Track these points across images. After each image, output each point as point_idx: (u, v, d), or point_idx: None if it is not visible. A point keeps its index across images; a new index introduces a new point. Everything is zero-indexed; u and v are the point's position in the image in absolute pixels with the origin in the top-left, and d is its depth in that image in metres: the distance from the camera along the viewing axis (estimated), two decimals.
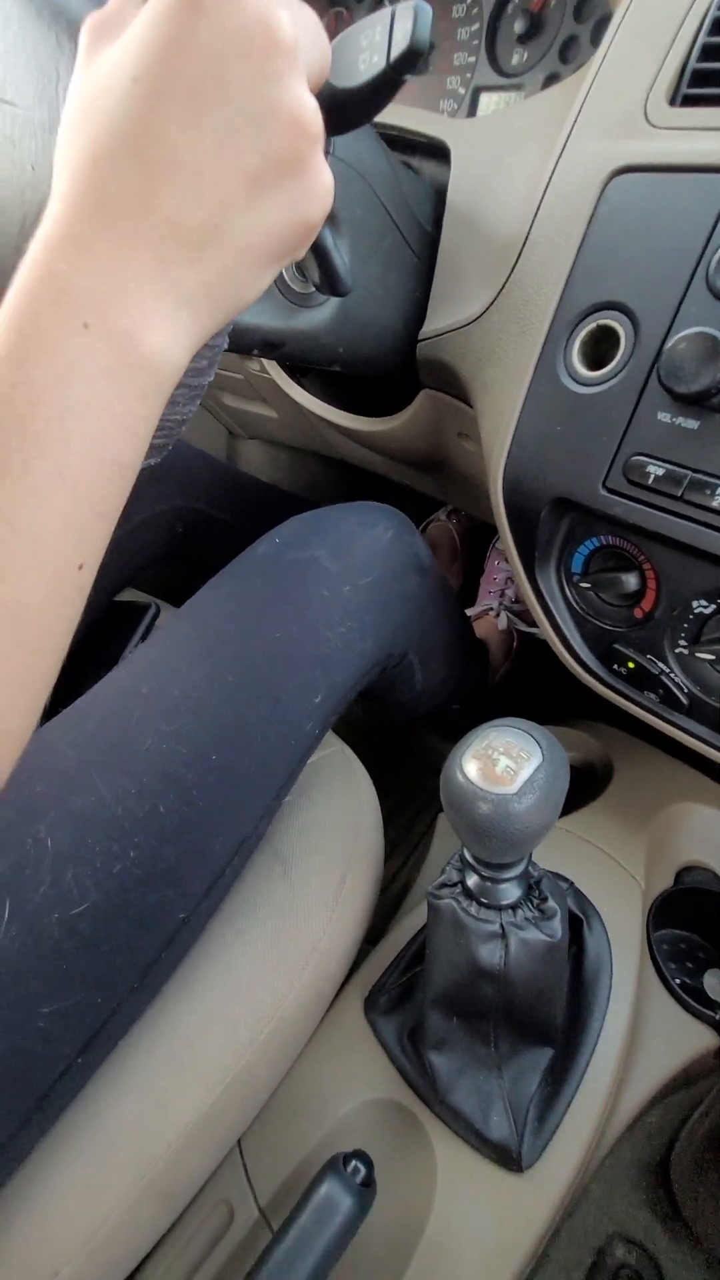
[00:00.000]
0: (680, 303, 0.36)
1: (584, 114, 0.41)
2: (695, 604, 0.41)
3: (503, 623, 0.97)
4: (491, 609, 0.99)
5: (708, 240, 0.34)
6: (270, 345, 0.46)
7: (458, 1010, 0.44)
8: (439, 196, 0.50)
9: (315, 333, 0.46)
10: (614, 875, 0.58)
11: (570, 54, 0.52)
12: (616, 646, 0.47)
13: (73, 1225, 0.37)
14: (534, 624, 0.88)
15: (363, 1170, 0.39)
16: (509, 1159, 0.43)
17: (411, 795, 0.93)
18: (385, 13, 0.30)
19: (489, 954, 0.39)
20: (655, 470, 0.37)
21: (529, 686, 0.97)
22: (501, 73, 0.56)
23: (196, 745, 0.41)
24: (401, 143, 0.54)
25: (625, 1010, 0.50)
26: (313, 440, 0.90)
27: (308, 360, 0.49)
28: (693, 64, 0.37)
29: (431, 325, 0.51)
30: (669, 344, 0.35)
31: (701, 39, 0.36)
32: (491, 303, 0.46)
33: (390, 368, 0.54)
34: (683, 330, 0.35)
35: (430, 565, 0.58)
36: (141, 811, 0.39)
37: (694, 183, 0.35)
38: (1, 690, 0.23)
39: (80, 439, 0.22)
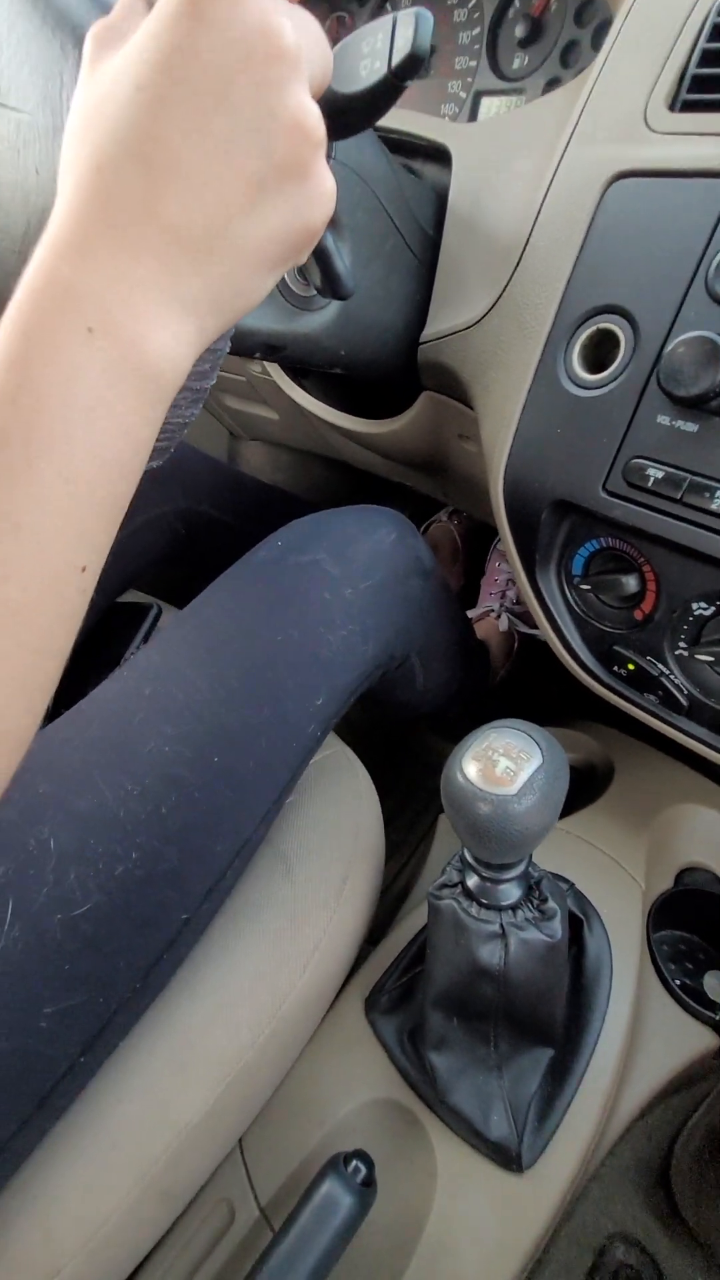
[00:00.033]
0: (680, 307, 0.36)
1: (584, 119, 0.41)
2: (695, 606, 0.41)
3: (504, 624, 0.97)
4: (493, 610, 0.99)
5: (707, 245, 0.35)
6: (272, 348, 0.46)
7: (458, 1010, 0.44)
8: (440, 200, 0.50)
9: (317, 335, 0.47)
10: (614, 876, 0.58)
11: (571, 58, 0.52)
12: (616, 648, 0.47)
13: (74, 1224, 0.37)
14: (535, 625, 0.89)
15: (363, 1170, 0.40)
16: (509, 1159, 0.43)
17: (412, 796, 0.93)
18: (387, 19, 0.30)
19: (489, 954, 0.39)
20: (655, 473, 0.38)
21: (530, 687, 0.97)
22: (502, 77, 0.56)
23: (199, 747, 0.42)
24: (403, 146, 0.54)
25: (625, 1011, 0.50)
26: (314, 442, 0.90)
27: (309, 363, 0.49)
28: (692, 69, 0.37)
29: (433, 328, 0.51)
30: (668, 348, 0.35)
31: (701, 45, 0.37)
32: (492, 306, 0.46)
33: (391, 370, 0.55)
34: (682, 334, 0.35)
35: (432, 568, 0.59)
36: (144, 813, 0.39)
37: (693, 188, 0.35)
38: (5, 691, 0.23)
39: (84, 441, 0.23)
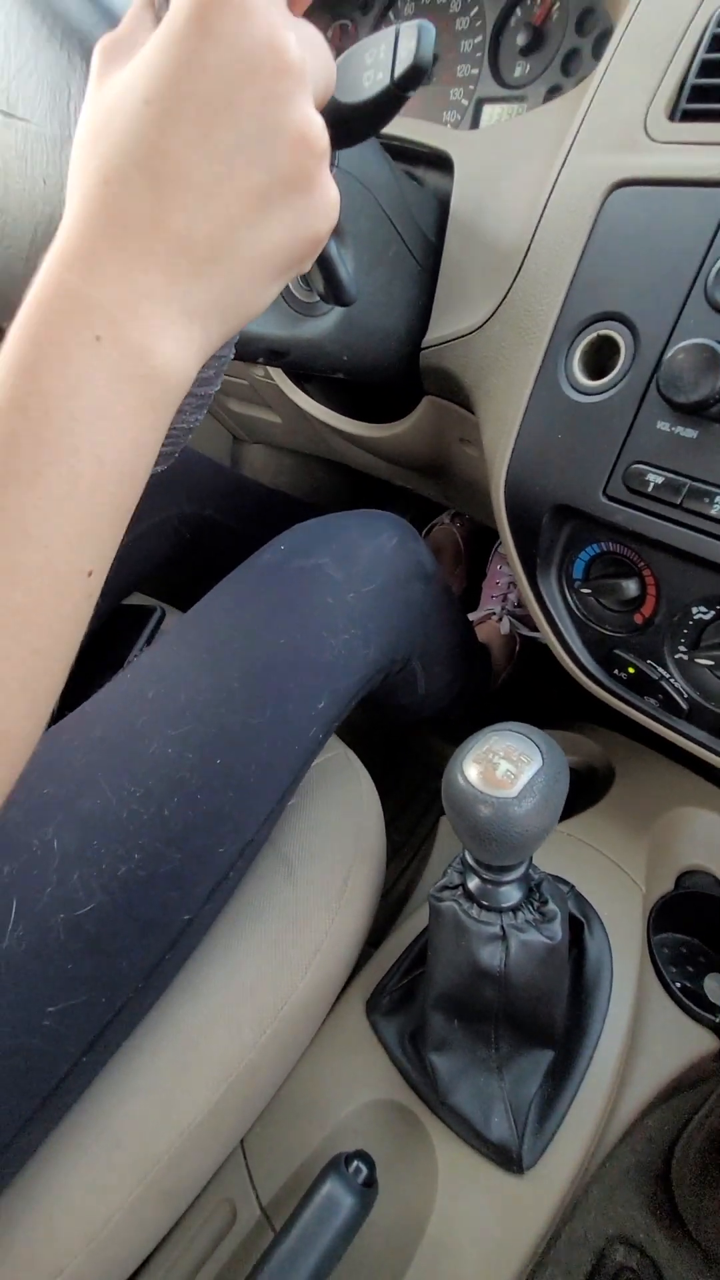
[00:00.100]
0: (679, 314, 0.36)
1: (585, 127, 0.41)
2: (694, 610, 0.42)
3: (505, 627, 0.97)
4: (494, 613, 0.99)
5: (706, 253, 0.35)
6: (275, 354, 0.46)
7: (459, 1012, 0.44)
8: (442, 206, 0.51)
9: (320, 341, 0.47)
10: (614, 879, 0.58)
11: (572, 67, 0.53)
12: (617, 651, 0.47)
13: (76, 1224, 0.38)
14: (536, 628, 0.89)
15: (364, 1170, 0.40)
16: (509, 1160, 0.44)
17: (413, 798, 0.94)
18: (390, 31, 0.31)
19: (490, 956, 0.39)
20: (655, 478, 0.38)
21: (531, 690, 0.97)
22: (504, 85, 0.57)
23: (201, 749, 0.42)
24: (405, 153, 0.54)
25: (625, 1013, 0.50)
26: (316, 445, 0.91)
27: (312, 368, 0.50)
28: (692, 79, 0.37)
29: (435, 333, 0.52)
30: (668, 354, 0.35)
31: (701, 55, 0.37)
32: (494, 312, 0.46)
33: (394, 375, 0.55)
34: (682, 341, 0.35)
35: (434, 572, 0.59)
36: (147, 814, 0.39)
37: (692, 196, 0.36)
38: (12, 694, 0.24)
39: (91, 448, 0.23)
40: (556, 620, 0.49)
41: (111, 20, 0.30)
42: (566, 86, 0.53)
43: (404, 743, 1.00)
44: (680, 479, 0.37)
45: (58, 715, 0.42)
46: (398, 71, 0.30)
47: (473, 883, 0.40)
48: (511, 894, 0.39)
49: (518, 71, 0.56)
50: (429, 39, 0.29)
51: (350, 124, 0.32)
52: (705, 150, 0.36)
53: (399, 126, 0.54)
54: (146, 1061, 0.41)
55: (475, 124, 0.59)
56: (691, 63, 0.37)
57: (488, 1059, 0.44)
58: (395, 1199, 0.44)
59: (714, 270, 0.35)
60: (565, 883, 0.54)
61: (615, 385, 0.39)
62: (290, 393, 0.72)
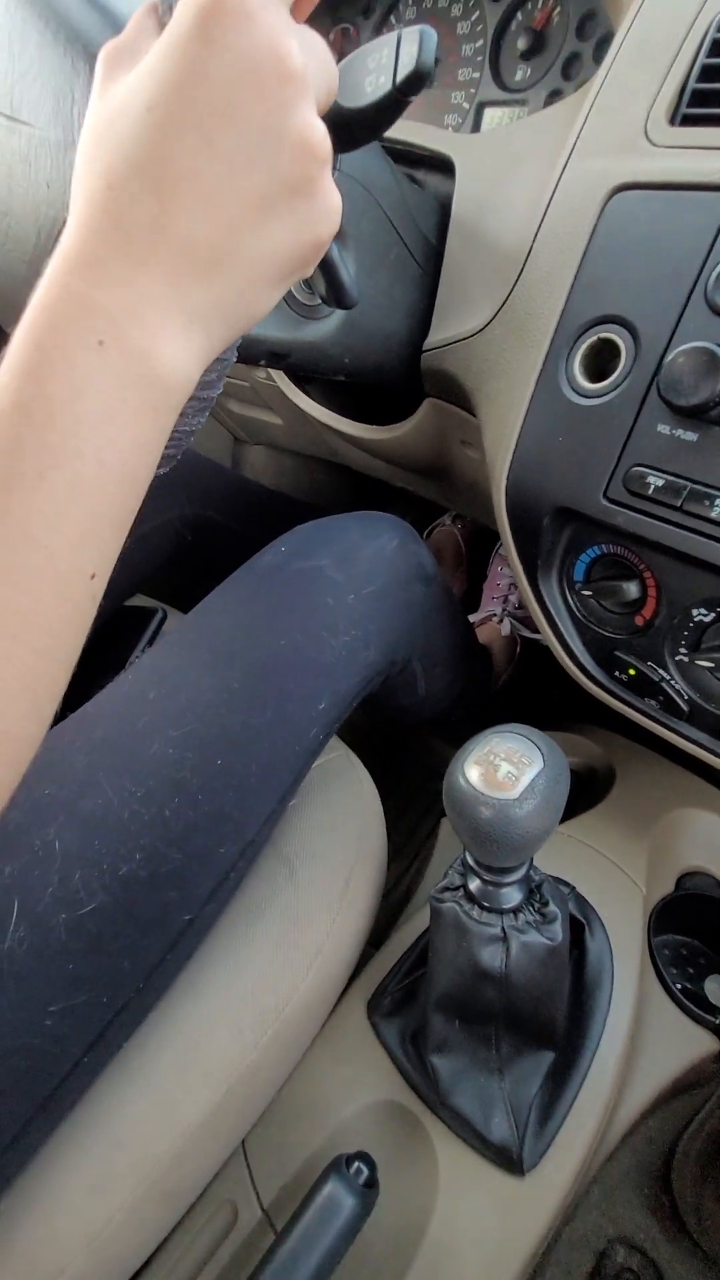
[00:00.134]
0: (679, 317, 0.36)
1: (586, 131, 0.42)
2: (695, 612, 0.42)
3: (506, 628, 0.97)
4: (495, 614, 0.99)
5: (706, 257, 0.35)
6: (277, 356, 0.46)
7: (460, 1013, 0.44)
8: (443, 209, 0.51)
9: (321, 344, 0.47)
10: (615, 880, 0.58)
11: (573, 71, 0.53)
12: (618, 653, 0.47)
13: (77, 1224, 0.38)
14: (537, 630, 0.89)
15: (365, 1171, 0.40)
16: (510, 1161, 0.44)
17: (414, 799, 0.94)
18: (392, 36, 0.31)
19: (490, 957, 0.39)
20: (655, 481, 0.38)
21: (531, 691, 0.97)
22: (505, 88, 0.57)
23: (202, 750, 0.42)
24: (406, 156, 0.55)
25: (626, 1015, 0.50)
26: (317, 447, 0.91)
27: (314, 370, 0.50)
28: (692, 84, 0.37)
29: (436, 336, 0.52)
30: (668, 358, 0.36)
31: (701, 60, 0.37)
32: (495, 315, 0.46)
33: (395, 377, 0.55)
34: (682, 344, 0.35)
35: (434, 574, 0.59)
36: (148, 815, 0.39)
37: (693, 200, 0.36)
38: (14, 695, 0.24)
39: (94, 451, 0.23)
40: (557, 622, 0.49)
41: (115, 26, 0.30)
42: (567, 90, 0.53)
43: (405, 744, 1.00)
44: (680, 481, 0.37)
45: (59, 716, 0.42)
46: (400, 76, 0.30)
47: (474, 884, 0.40)
48: (512, 895, 0.39)
49: (519, 75, 0.56)
50: (431, 44, 0.30)
51: (352, 128, 0.33)
52: (706, 155, 0.36)
53: (400, 130, 0.54)
54: (148, 1062, 0.41)
55: (476, 127, 0.59)
56: (692, 67, 0.38)
57: (488, 1060, 0.44)
58: (396, 1200, 0.44)
59: (714, 274, 0.35)
60: (566, 884, 0.54)
61: (616, 388, 0.39)
62: (291, 394, 0.72)
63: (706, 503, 0.37)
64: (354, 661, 0.50)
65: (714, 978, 0.57)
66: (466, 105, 0.59)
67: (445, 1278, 0.41)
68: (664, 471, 0.38)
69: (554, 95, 0.54)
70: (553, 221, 0.42)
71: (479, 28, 0.57)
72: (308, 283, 0.44)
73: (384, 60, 0.31)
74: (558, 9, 0.53)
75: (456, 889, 0.41)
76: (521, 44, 0.54)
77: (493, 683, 0.91)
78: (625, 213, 0.39)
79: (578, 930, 0.53)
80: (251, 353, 0.45)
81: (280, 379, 0.72)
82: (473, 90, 0.59)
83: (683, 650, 0.44)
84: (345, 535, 0.54)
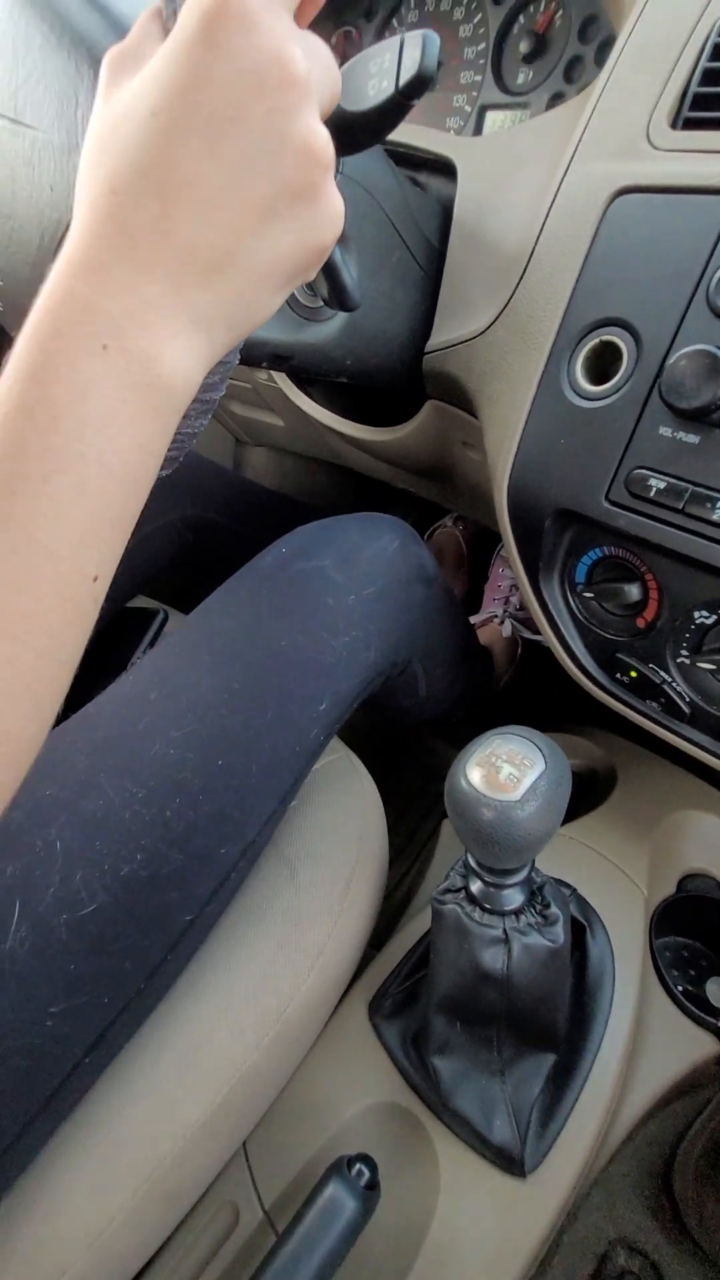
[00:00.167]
0: (681, 320, 0.36)
1: (587, 135, 0.42)
2: (696, 614, 0.42)
3: (507, 630, 0.97)
4: (496, 616, 0.99)
5: (708, 260, 0.35)
6: (279, 358, 0.47)
7: (461, 1015, 0.44)
8: (445, 212, 0.51)
9: (323, 346, 0.47)
10: (617, 882, 0.58)
11: (575, 74, 0.53)
12: (619, 655, 0.47)
13: (79, 1225, 0.38)
14: (538, 631, 0.89)
15: (367, 1173, 0.40)
16: (511, 1163, 0.44)
17: (416, 800, 0.94)
18: (394, 40, 0.31)
19: (492, 959, 0.39)
20: (657, 483, 0.38)
21: (533, 692, 0.97)
22: (507, 91, 0.57)
23: (203, 750, 0.42)
24: (408, 159, 0.55)
25: (627, 1017, 0.50)
26: (319, 448, 0.91)
27: (316, 372, 0.50)
28: (694, 88, 0.37)
29: (438, 338, 0.52)
30: (670, 360, 0.36)
31: (703, 63, 0.37)
32: (497, 317, 0.46)
33: (397, 379, 0.55)
34: (684, 347, 0.35)
35: (435, 575, 0.59)
36: (149, 815, 0.40)
37: (695, 204, 0.36)
38: (17, 696, 0.24)
39: (97, 454, 0.23)
40: (559, 624, 0.49)
41: (119, 31, 0.30)
42: (569, 94, 0.53)
43: (406, 745, 1.00)
44: (682, 484, 0.37)
45: (61, 717, 0.42)
46: (402, 80, 0.30)
47: (475, 886, 0.40)
48: (514, 897, 0.39)
49: (520, 78, 0.56)
50: (433, 49, 0.30)
51: (355, 132, 0.33)
52: (707, 158, 0.36)
53: (402, 132, 0.54)
54: (149, 1063, 0.41)
55: (478, 130, 0.59)
56: (694, 71, 0.38)
57: (490, 1062, 0.44)
58: (397, 1202, 0.44)
59: (716, 277, 0.35)
60: (567, 886, 0.54)
61: (618, 391, 0.39)
62: (293, 396, 0.72)
63: (708, 505, 0.37)
64: (355, 662, 0.50)
65: (715, 979, 0.57)
66: (468, 108, 0.59)
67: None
68: (666, 474, 0.38)
69: (556, 98, 0.54)
70: (554, 224, 0.42)
71: (481, 31, 0.57)
72: (310, 285, 0.44)
73: (387, 64, 0.31)
74: (560, 12, 0.53)
75: (458, 891, 0.41)
76: (523, 47, 0.54)
77: (494, 684, 0.92)
78: (627, 216, 0.39)
79: (579, 932, 0.53)
80: (254, 355, 0.45)
81: (282, 381, 0.73)
82: (475, 93, 0.59)
83: (684, 652, 0.44)
84: (346, 536, 0.54)
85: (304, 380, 0.72)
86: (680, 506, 0.38)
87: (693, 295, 0.36)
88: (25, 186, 0.36)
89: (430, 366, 0.54)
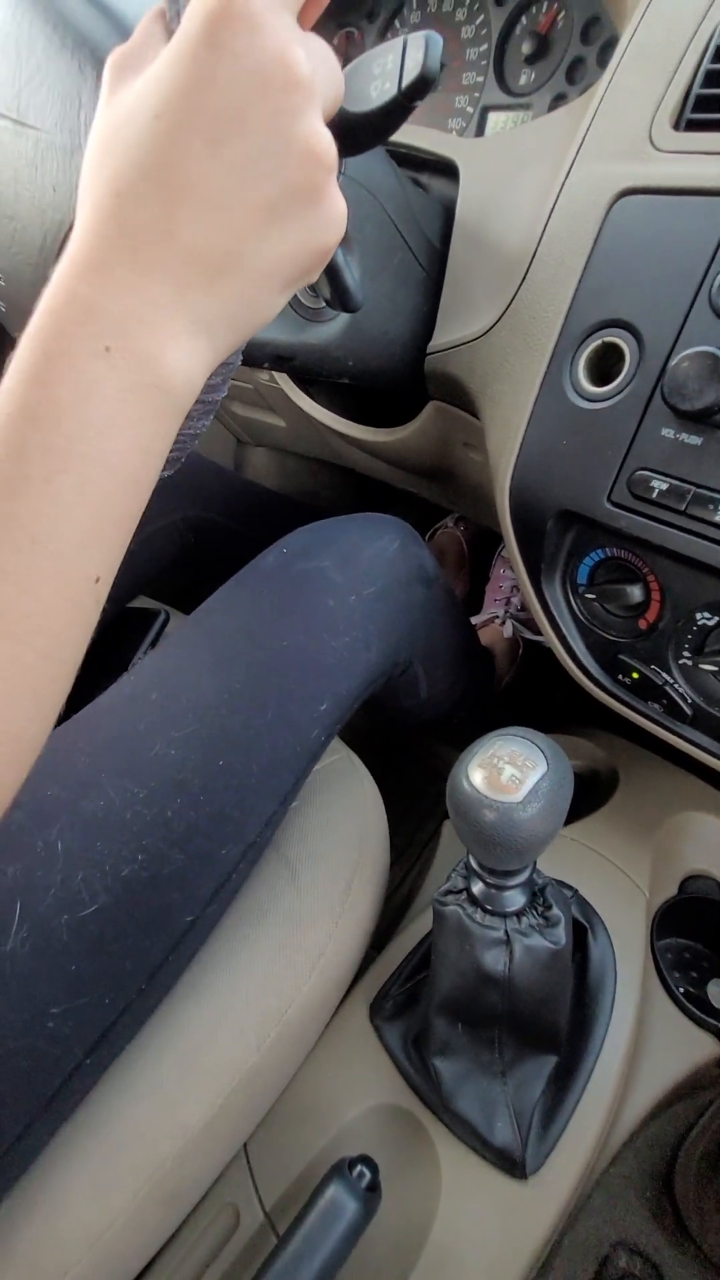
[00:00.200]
0: (684, 322, 0.36)
1: (590, 136, 0.42)
2: (699, 616, 0.42)
3: (508, 630, 0.97)
4: (497, 616, 0.99)
5: (711, 261, 0.35)
6: (281, 359, 0.47)
7: (463, 1016, 0.44)
8: (447, 213, 0.51)
9: (325, 347, 0.47)
10: (618, 883, 0.58)
11: (577, 75, 0.53)
12: (621, 656, 0.47)
13: (80, 1226, 0.38)
14: (539, 632, 0.89)
15: (368, 1175, 0.40)
16: (513, 1165, 0.44)
17: (417, 801, 0.94)
18: (398, 41, 0.31)
19: (493, 960, 0.39)
20: (659, 485, 0.38)
21: (534, 693, 0.97)
22: (509, 92, 0.57)
23: (204, 751, 0.42)
24: (410, 160, 0.55)
25: (629, 1018, 0.50)
26: (320, 448, 0.91)
27: (318, 373, 0.50)
28: (697, 89, 0.37)
29: (440, 339, 0.52)
30: (673, 362, 0.36)
31: (705, 65, 0.37)
32: (499, 318, 0.46)
33: (399, 380, 0.55)
34: (686, 349, 0.35)
35: (436, 576, 0.59)
36: (150, 816, 0.39)
37: (697, 206, 0.36)
38: (19, 697, 0.24)
39: (100, 455, 0.23)
40: (561, 625, 0.49)
41: (123, 32, 0.30)
42: (571, 95, 0.53)
43: (406, 746, 1.00)
44: (685, 485, 0.37)
45: (63, 717, 0.42)
46: (405, 82, 0.30)
47: (477, 887, 0.40)
48: (515, 899, 0.39)
49: (523, 80, 0.56)
50: (436, 50, 0.30)
51: (358, 133, 0.33)
52: (710, 160, 0.36)
53: (404, 134, 0.54)
54: (150, 1064, 0.41)
55: (480, 131, 0.59)
56: (696, 72, 0.38)
57: (491, 1064, 0.44)
58: (399, 1204, 0.44)
59: (718, 279, 0.35)
60: (569, 887, 0.54)
61: (620, 392, 0.39)
62: (295, 397, 0.72)
63: (710, 507, 0.37)
64: (355, 663, 0.50)
65: (717, 981, 0.56)
66: (470, 109, 0.59)
67: None
68: (668, 475, 0.38)
69: (558, 99, 0.54)
70: (557, 226, 0.42)
71: (483, 32, 0.57)
72: (312, 286, 0.44)
73: (389, 66, 0.31)
74: (562, 13, 0.53)
75: (460, 892, 0.41)
76: (526, 48, 0.54)
77: (495, 685, 0.91)
78: (629, 217, 0.39)
79: (580, 934, 0.53)
80: (256, 355, 0.45)
81: (284, 381, 0.73)
82: (477, 94, 0.59)
83: (686, 654, 0.44)
84: (347, 537, 0.54)
85: (306, 381, 0.72)
86: (682, 508, 0.37)
87: (695, 297, 0.36)
88: (28, 187, 0.36)
89: (432, 367, 0.54)
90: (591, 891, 0.55)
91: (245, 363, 0.44)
